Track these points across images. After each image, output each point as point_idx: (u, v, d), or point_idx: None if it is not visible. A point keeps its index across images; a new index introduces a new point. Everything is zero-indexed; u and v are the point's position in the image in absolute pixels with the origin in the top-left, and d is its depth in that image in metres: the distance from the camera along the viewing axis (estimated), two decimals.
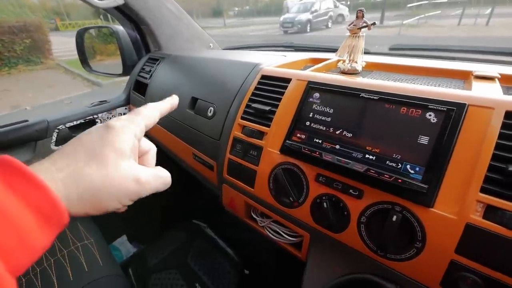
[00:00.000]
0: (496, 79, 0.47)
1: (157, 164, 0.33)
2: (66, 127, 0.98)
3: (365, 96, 0.44)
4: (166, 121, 0.87)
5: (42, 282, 0.67)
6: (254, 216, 0.64)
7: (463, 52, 0.74)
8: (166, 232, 1.22)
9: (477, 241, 0.32)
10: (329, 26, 12.77)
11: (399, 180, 0.37)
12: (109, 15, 1.18)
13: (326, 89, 0.49)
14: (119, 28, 1.14)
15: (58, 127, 0.96)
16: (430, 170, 0.36)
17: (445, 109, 0.37)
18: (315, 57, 0.76)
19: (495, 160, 0.33)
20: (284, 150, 0.51)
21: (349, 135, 0.44)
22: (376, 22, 0.53)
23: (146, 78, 1.04)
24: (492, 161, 0.33)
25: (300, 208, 0.49)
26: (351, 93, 0.46)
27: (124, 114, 1.16)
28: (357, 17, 0.53)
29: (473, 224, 0.33)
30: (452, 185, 0.35)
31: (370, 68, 0.66)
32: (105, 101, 1.13)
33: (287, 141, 0.50)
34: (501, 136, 0.34)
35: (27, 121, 0.91)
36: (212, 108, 0.72)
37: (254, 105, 0.59)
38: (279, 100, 0.56)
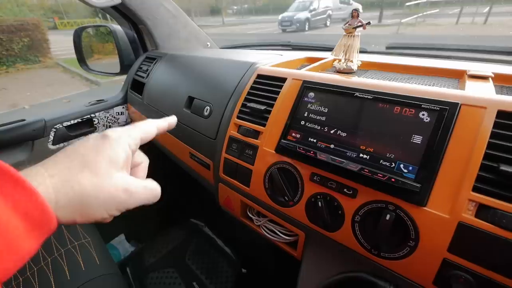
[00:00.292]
0: (490, 78, 0.47)
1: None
2: (63, 126, 0.98)
3: (360, 95, 0.45)
4: None
5: (39, 281, 0.67)
6: (250, 215, 0.64)
7: (459, 51, 0.74)
8: (164, 231, 1.23)
9: (469, 240, 0.33)
10: (328, 24, 12.72)
11: (393, 179, 0.37)
12: (107, 14, 1.17)
13: (321, 89, 0.49)
14: (117, 27, 1.14)
15: (55, 126, 0.96)
16: (423, 169, 0.36)
17: (438, 108, 0.37)
18: (312, 56, 0.76)
19: (487, 159, 0.33)
20: (279, 149, 0.51)
21: (344, 134, 0.44)
22: (371, 22, 0.53)
23: (143, 77, 1.04)
24: (484, 160, 0.33)
25: (295, 207, 0.50)
26: (346, 92, 0.46)
27: (121, 113, 1.16)
28: (352, 16, 0.54)
29: (465, 223, 0.33)
30: (444, 184, 0.35)
31: (366, 67, 0.66)
32: (103, 100, 1.13)
33: (282, 140, 0.50)
34: (493, 135, 0.34)
35: (24, 120, 0.91)
36: (208, 107, 0.72)
37: (250, 104, 0.59)
38: (274, 99, 0.56)
